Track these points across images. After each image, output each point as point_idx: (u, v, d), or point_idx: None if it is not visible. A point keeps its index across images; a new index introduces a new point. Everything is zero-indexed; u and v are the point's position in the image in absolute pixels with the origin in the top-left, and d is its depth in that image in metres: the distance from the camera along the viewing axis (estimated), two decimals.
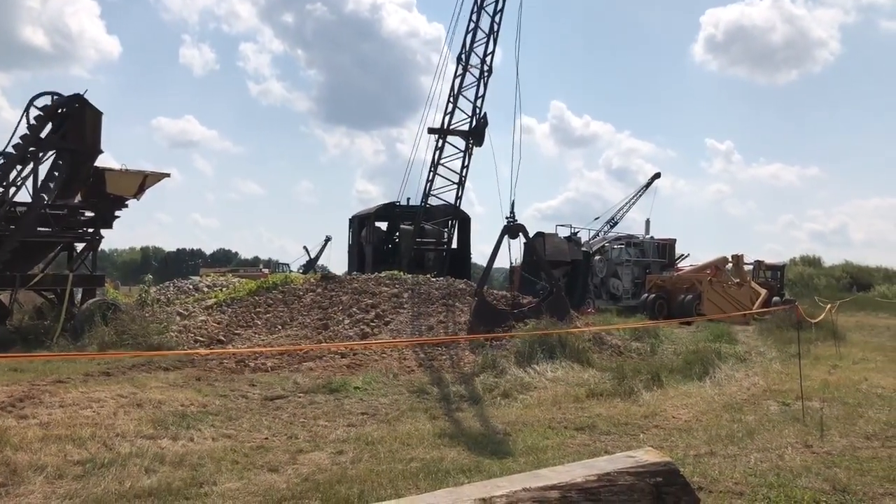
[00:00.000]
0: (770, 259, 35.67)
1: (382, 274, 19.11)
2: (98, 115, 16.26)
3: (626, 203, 52.78)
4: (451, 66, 24.32)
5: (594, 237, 40.63)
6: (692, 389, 11.28)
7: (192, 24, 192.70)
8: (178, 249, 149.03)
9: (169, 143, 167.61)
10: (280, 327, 16.81)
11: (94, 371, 12.04)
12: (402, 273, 19.18)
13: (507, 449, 7.29)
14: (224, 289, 20.35)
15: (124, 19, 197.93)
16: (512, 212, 17.44)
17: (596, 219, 49.40)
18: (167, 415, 8.28)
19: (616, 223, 51.00)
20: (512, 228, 17.27)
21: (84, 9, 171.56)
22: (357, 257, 26.18)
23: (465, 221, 24.76)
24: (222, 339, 16.06)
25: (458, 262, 24.30)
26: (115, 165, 17.05)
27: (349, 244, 27.47)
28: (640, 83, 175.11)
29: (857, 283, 54.60)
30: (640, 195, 53.19)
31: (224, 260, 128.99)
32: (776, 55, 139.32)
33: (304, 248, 72.64)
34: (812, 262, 60.26)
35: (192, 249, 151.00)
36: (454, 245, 24.58)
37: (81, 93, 16.09)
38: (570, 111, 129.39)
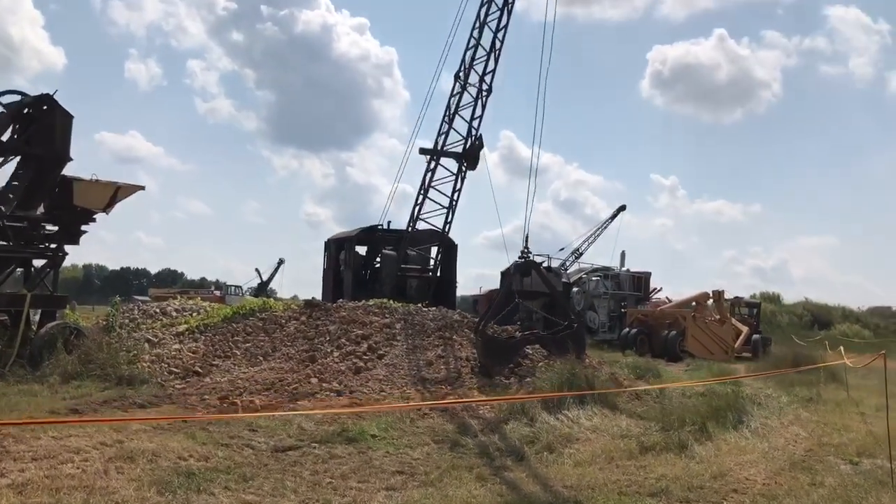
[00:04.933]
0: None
1: (371, 302, 17.74)
2: (69, 118, 14.67)
3: (592, 234, 52.29)
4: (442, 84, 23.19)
5: (561, 267, 39.90)
6: (741, 442, 10.21)
7: (139, 39, 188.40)
8: (122, 268, 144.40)
9: (113, 159, 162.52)
10: (262, 358, 15.34)
11: (61, 408, 10.47)
12: (391, 302, 17.84)
13: None
14: (195, 314, 18.73)
15: (69, 31, 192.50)
16: (526, 247, 16.25)
17: (561, 249, 48.69)
18: (168, 473, 6.84)
19: (581, 254, 50.40)
20: (525, 266, 16.09)
21: (27, 18, 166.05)
22: (333, 283, 24.72)
23: (451, 248, 23.55)
24: (199, 370, 14.50)
25: (443, 290, 23.04)
26: (85, 175, 15.40)
27: (324, 268, 25.99)
28: (589, 116, 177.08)
29: (817, 321, 54.99)
30: (606, 226, 52.75)
31: (170, 280, 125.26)
32: (721, 94, 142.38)
33: (256, 270, 70.62)
34: (772, 300, 60.53)
35: (137, 269, 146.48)
36: (439, 273, 23.31)
37: (51, 93, 14.50)
38: (519, 141, 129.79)
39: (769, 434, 11.17)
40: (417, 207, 21.26)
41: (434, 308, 17.65)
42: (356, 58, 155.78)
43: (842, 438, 11.03)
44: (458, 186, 20.87)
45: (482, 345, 14.45)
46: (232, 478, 6.93)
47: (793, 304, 59.43)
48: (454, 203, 20.95)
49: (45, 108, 14.44)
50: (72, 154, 14.94)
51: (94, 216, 15.66)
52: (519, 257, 16.12)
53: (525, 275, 16.05)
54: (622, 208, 53.49)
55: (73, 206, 15.04)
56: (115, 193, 15.57)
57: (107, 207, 15.64)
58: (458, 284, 25.26)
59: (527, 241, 16.17)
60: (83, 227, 15.51)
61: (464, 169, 20.74)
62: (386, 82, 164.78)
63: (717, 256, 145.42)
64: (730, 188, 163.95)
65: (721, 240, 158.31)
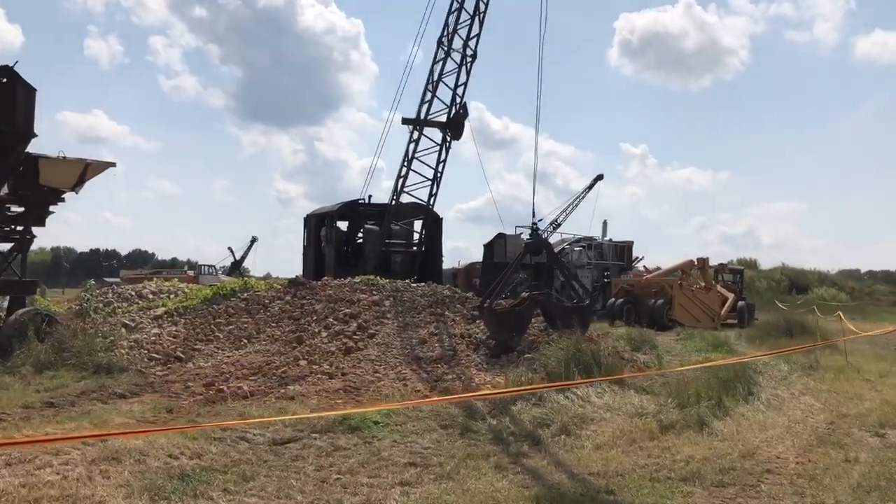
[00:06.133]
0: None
1: (357, 279, 17.06)
2: (31, 91, 13.65)
3: (569, 205, 51.82)
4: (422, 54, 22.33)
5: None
6: (758, 416, 9.80)
7: (98, 15, 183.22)
8: (91, 250, 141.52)
9: (76, 139, 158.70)
10: (246, 341, 14.64)
11: (35, 402, 9.74)
12: (378, 278, 17.18)
13: None
14: (173, 295, 17.95)
15: (26, 7, 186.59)
16: (535, 226, 15.83)
17: (539, 220, 48.13)
18: (160, 475, 6.19)
19: (559, 225, 49.91)
20: (536, 245, 15.56)
21: None
22: (314, 260, 23.95)
23: (436, 222, 22.84)
24: (181, 355, 13.80)
25: (429, 265, 22.37)
26: (51, 152, 14.44)
27: (304, 245, 25.20)
28: (559, 86, 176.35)
29: (795, 285, 55.24)
30: (583, 196, 52.32)
31: (140, 261, 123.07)
32: (689, 61, 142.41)
33: (229, 248, 69.40)
34: (750, 265, 60.66)
35: (107, 250, 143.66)
36: (424, 247, 22.60)
37: (11, 65, 13.50)
38: (489, 112, 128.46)
39: (782, 406, 10.81)
40: (401, 180, 20.52)
41: (423, 284, 17.02)
42: (322, 31, 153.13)
43: (858, 409, 10.69)
44: (443, 157, 20.19)
45: (495, 321, 13.81)
46: (230, 478, 6.29)
47: (770, 270, 59.72)
48: (439, 175, 20.23)
49: (4, 80, 13.45)
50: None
51: (63, 196, 14.76)
52: (531, 235, 15.67)
53: (536, 253, 15.51)
54: (599, 177, 53.04)
55: (40, 186, 14.12)
56: (85, 171, 14.66)
57: (76, 186, 14.73)
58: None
59: (535, 222, 15.88)
60: (51, 208, 14.62)
61: (448, 139, 19.99)
62: (353, 55, 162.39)
63: (687, 224, 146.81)
64: (699, 156, 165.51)
65: (691, 207, 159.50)
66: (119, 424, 8.30)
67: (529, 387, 8.75)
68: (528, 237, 34.62)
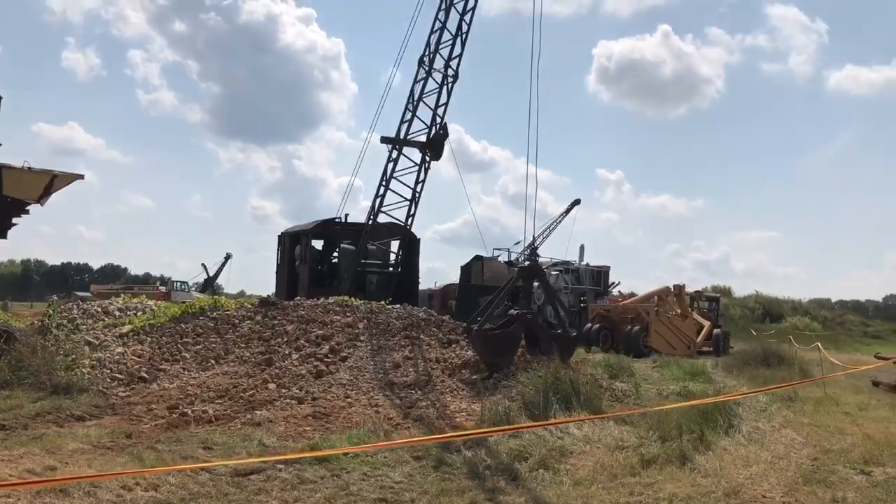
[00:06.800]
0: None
1: (331, 300, 16.66)
2: None
3: (546, 228, 51.84)
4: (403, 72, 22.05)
5: (516, 260, 39.20)
6: (740, 450, 9.51)
7: (77, 27, 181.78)
8: (62, 263, 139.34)
9: (51, 151, 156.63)
10: (214, 362, 14.17)
11: None
12: (352, 299, 16.78)
13: None
14: (140, 313, 17.41)
15: (1, 18, 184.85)
16: (532, 251, 15.90)
17: (516, 243, 48.06)
18: None
19: (536, 248, 49.75)
20: (530, 271, 15.35)
21: None
22: (288, 279, 23.49)
23: (413, 242, 22.52)
24: (145, 375, 13.30)
25: (405, 286, 21.99)
26: (16, 163, 13.94)
27: (278, 264, 24.74)
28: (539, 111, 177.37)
29: (769, 314, 55.43)
30: (560, 221, 52.43)
31: (113, 276, 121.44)
32: (666, 89, 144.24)
33: (203, 265, 68.54)
34: (724, 292, 60.87)
35: (78, 264, 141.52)
36: (400, 268, 22.21)
37: None
38: (468, 135, 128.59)
39: (764, 439, 10.53)
40: (378, 199, 20.19)
41: (398, 306, 16.65)
42: (302, 49, 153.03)
43: (841, 444, 10.42)
44: (422, 177, 19.86)
45: (484, 344, 13.51)
46: None
47: (744, 298, 59.91)
48: (417, 195, 19.92)
49: None
50: (6, 144, 13.51)
51: (28, 208, 14.24)
52: (527, 260, 15.45)
53: (528, 279, 15.29)
54: (577, 202, 53.27)
55: (3, 197, 13.61)
56: (51, 183, 14.15)
57: (41, 198, 14.21)
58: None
59: (533, 246, 16.13)
60: (14, 220, 14.10)
61: (427, 159, 19.72)
62: (333, 74, 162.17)
63: (662, 250, 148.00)
64: (674, 183, 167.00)
65: (665, 234, 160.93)
66: (73, 451, 7.83)
67: (510, 426, 8.38)
68: (506, 260, 34.44)
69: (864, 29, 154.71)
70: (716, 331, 30.61)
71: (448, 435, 7.92)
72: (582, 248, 41.21)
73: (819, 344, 17.55)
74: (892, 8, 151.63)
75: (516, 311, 14.38)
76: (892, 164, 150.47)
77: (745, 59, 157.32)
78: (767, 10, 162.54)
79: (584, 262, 37.67)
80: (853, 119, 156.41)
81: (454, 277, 34.10)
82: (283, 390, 12.29)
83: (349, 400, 11.91)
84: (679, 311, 29.41)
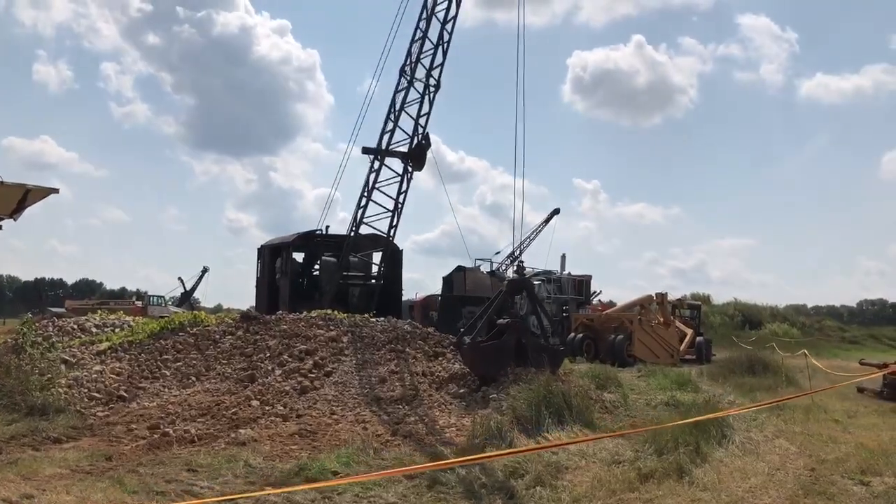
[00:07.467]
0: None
1: (314, 313, 16.37)
2: None
3: (527, 238, 51.70)
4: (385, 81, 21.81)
5: (498, 271, 39.10)
6: (736, 462, 9.37)
7: (48, 40, 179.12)
8: (35, 279, 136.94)
9: (23, 165, 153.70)
10: (194, 379, 13.87)
11: None
12: (335, 312, 16.51)
13: None
14: (118, 329, 17.01)
15: None
16: (520, 266, 15.90)
17: (497, 253, 48.00)
18: None
19: (517, 258, 49.68)
20: (519, 284, 15.23)
21: None
22: (268, 293, 23.15)
23: (396, 254, 22.28)
24: (124, 394, 12.99)
25: (388, 299, 21.73)
26: None
27: (258, 277, 24.39)
28: (513, 121, 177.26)
29: (748, 321, 55.67)
30: (540, 230, 52.32)
31: (88, 290, 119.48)
32: (640, 99, 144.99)
33: (180, 279, 67.36)
34: (703, 300, 61.06)
35: (52, 279, 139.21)
36: (383, 280, 21.92)
37: None
38: (445, 145, 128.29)
39: (758, 450, 10.41)
40: (360, 210, 19.93)
41: (382, 318, 16.39)
42: (277, 60, 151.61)
43: (836, 453, 10.33)
44: (404, 188, 19.65)
45: (476, 357, 13.33)
46: None
47: (723, 305, 60.09)
48: (400, 206, 19.70)
49: None
50: None
51: (0, 223, 13.82)
52: (515, 273, 15.36)
53: (516, 293, 15.16)
54: (556, 211, 53.19)
55: None
56: (25, 197, 13.73)
57: (14, 213, 13.75)
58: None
59: (521, 261, 16.21)
60: None
61: (409, 169, 19.53)
62: (309, 85, 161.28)
63: (639, 258, 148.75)
64: (650, 191, 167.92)
65: (642, 242, 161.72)
66: (50, 476, 7.51)
67: (509, 450, 8.15)
68: (489, 270, 34.30)
69: (833, 38, 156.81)
70: (698, 339, 30.61)
71: (446, 462, 7.67)
72: (563, 257, 41.15)
73: (806, 352, 17.50)
74: (860, 17, 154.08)
75: (506, 321, 14.20)
76: (862, 170, 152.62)
77: (718, 69, 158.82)
78: (739, 19, 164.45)
79: (565, 272, 37.58)
80: (824, 127, 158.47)
81: (433, 288, 33.91)
82: (267, 407, 12.01)
83: (335, 416, 11.64)
84: (662, 319, 29.39)
